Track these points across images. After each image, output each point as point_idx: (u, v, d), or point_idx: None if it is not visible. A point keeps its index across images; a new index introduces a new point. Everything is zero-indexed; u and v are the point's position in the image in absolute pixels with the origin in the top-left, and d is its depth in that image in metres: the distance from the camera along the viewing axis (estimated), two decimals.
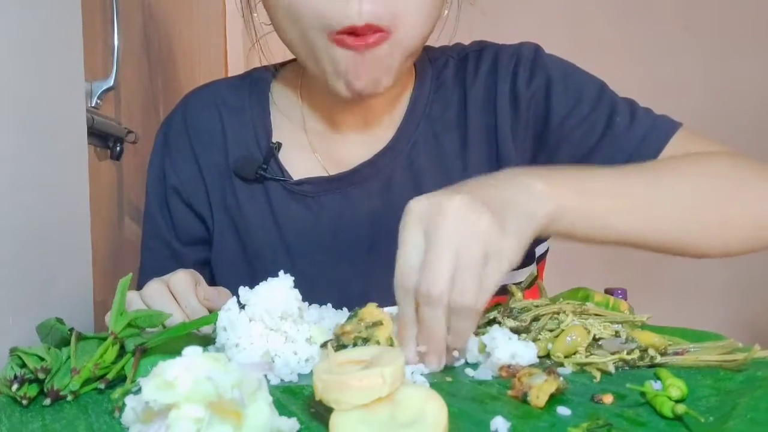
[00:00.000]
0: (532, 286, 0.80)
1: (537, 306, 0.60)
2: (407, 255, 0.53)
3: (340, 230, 0.81)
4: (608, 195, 0.62)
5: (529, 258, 0.83)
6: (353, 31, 0.66)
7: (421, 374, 0.53)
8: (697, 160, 0.70)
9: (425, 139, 0.81)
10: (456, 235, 0.51)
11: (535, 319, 0.59)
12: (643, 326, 0.59)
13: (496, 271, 0.53)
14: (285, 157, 0.83)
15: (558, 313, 0.58)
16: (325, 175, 0.82)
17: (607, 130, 0.76)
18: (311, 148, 0.83)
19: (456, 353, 0.55)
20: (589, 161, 0.76)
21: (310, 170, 0.83)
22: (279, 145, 0.83)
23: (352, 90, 0.71)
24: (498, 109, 0.79)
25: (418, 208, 0.54)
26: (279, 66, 0.89)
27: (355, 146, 0.82)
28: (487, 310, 0.65)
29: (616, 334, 0.55)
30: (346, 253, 0.81)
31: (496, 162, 0.80)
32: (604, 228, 0.61)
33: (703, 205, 0.66)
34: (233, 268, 0.85)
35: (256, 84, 0.87)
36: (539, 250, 0.86)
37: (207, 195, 0.85)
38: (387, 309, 0.58)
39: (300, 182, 0.82)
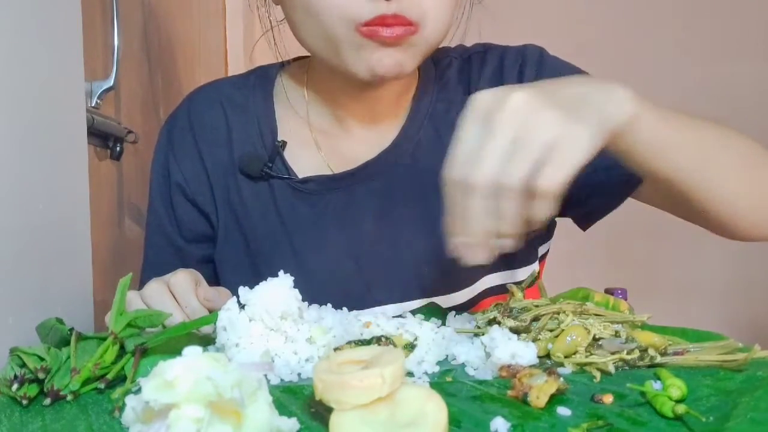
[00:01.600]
0: (532, 285, 0.80)
1: (537, 306, 0.60)
2: (460, 146, 0.52)
3: (343, 228, 0.81)
4: (683, 131, 0.59)
5: (532, 256, 0.83)
6: (382, 22, 0.67)
7: (424, 373, 0.53)
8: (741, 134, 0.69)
9: (429, 139, 0.82)
10: (514, 125, 0.50)
11: (535, 319, 0.59)
12: (643, 326, 0.59)
13: (573, 152, 0.49)
14: (289, 155, 0.83)
15: (558, 313, 0.58)
16: (329, 172, 0.82)
17: None
18: (316, 145, 0.84)
19: (502, 242, 0.52)
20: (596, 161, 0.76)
21: (315, 168, 0.83)
22: (284, 143, 0.83)
23: (373, 74, 0.71)
24: None
25: (480, 100, 0.52)
26: (283, 63, 0.89)
27: (359, 144, 0.82)
28: (487, 310, 0.65)
29: (616, 334, 0.55)
30: (349, 251, 0.81)
31: None
32: (668, 160, 0.59)
33: (761, 177, 0.66)
34: (237, 265, 0.85)
35: (260, 82, 0.87)
36: (542, 250, 0.86)
37: (211, 192, 0.85)
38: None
39: (304, 180, 0.82)
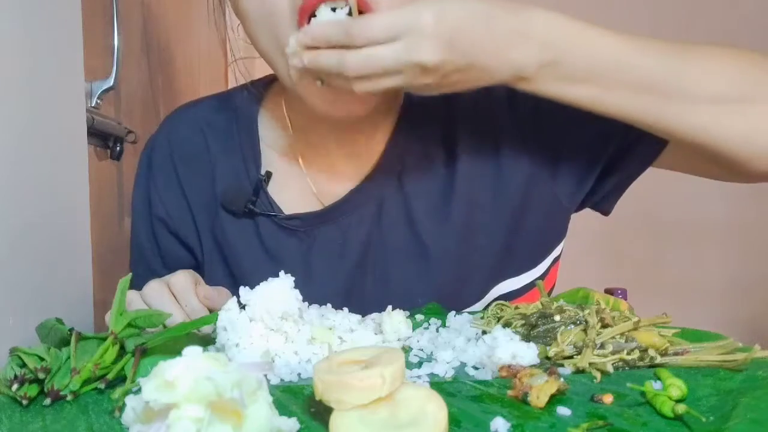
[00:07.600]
0: (531, 288, 0.79)
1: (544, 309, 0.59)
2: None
3: (332, 259, 0.79)
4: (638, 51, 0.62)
5: (531, 262, 0.80)
6: None
7: (426, 374, 0.53)
8: (732, 49, 0.64)
9: (416, 157, 0.78)
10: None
11: (541, 322, 0.58)
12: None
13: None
14: (274, 187, 0.80)
15: (553, 315, 0.57)
16: (316, 204, 0.79)
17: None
18: (301, 169, 0.81)
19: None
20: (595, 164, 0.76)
21: (301, 197, 0.80)
22: (269, 175, 0.80)
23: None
24: (495, 114, 0.77)
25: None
26: (263, 87, 0.85)
27: (343, 167, 0.79)
28: (487, 312, 0.65)
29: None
30: (338, 281, 0.78)
31: (495, 168, 0.78)
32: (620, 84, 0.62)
33: (742, 99, 0.61)
34: None
35: (243, 104, 0.84)
36: (555, 252, 0.82)
37: (194, 225, 0.83)
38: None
39: (290, 217, 0.79)
